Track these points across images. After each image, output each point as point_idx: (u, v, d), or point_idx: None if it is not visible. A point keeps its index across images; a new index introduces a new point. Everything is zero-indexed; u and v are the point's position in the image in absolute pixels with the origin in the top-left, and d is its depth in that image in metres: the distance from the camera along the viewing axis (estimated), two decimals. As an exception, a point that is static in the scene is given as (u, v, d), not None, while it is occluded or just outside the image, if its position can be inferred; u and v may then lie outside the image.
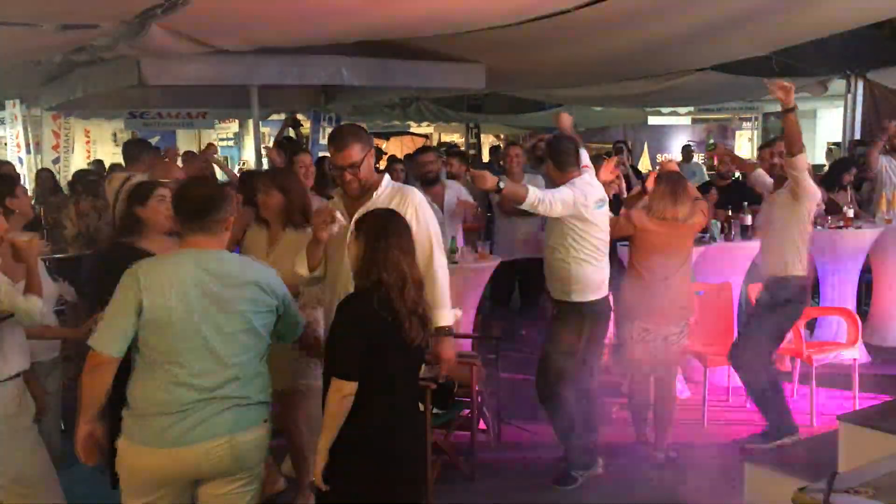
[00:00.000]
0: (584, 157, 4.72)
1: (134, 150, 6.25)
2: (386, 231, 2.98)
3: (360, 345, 2.85)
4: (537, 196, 4.30)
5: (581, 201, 4.37)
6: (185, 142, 16.81)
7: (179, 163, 6.65)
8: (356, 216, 3.28)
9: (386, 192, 3.55)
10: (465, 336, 5.46)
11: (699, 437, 5.22)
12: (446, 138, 20.19)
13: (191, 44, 5.88)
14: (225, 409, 2.77)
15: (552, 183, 4.59)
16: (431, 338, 3.50)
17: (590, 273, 4.47)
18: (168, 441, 2.71)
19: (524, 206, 4.35)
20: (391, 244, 2.94)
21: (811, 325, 6.82)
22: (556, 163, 4.56)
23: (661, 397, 4.84)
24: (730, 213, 6.44)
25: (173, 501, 2.81)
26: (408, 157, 7.91)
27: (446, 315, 3.57)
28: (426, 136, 19.40)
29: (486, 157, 15.88)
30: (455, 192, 6.23)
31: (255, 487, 2.92)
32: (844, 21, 6.86)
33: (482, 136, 18.95)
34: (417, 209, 3.51)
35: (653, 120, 16.20)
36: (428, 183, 6.09)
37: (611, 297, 4.69)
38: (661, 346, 4.69)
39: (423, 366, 3.61)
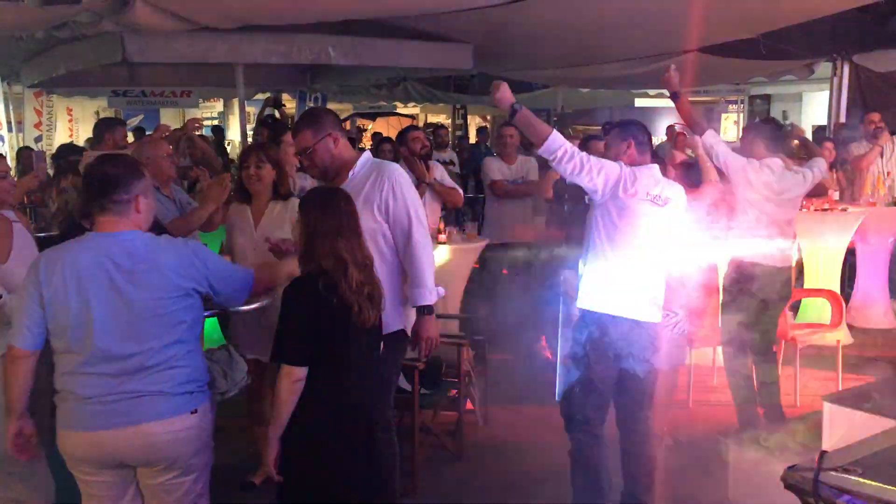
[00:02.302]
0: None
1: (97, 129, 6.17)
2: (322, 215, 2.90)
3: (307, 329, 2.82)
4: (564, 146, 3.53)
5: (628, 181, 3.61)
6: (169, 120, 16.64)
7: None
8: (304, 196, 3.24)
9: (363, 170, 3.51)
10: (453, 317, 5.47)
11: (684, 417, 5.25)
12: (433, 119, 20.12)
13: (176, 21, 5.82)
14: (129, 398, 2.63)
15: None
16: (420, 318, 3.49)
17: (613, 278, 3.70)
18: (81, 425, 2.68)
19: (541, 152, 3.61)
20: (328, 229, 2.87)
21: (795, 307, 6.86)
22: (637, 143, 3.73)
23: (659, 383, 4.77)
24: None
25: (120, 483, 2.77)
26: (398, 135, 7.87)
27: (425, 294, 3.46)
28: (413, 117, 19.31)
29: (472, 138, 15.84)
30: (440, 172, 6.18)
31: (190, 479, 2.78)
32: (831, 4, 6.87)
33: (469, 116, 18.90)
34: (395, 184, 3.44)
35: (639, 102, 16.21)
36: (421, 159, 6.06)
37: None
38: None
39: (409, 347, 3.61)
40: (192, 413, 2.73)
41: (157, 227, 3.65)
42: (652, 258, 3.70)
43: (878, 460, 1.84)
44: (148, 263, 2.66)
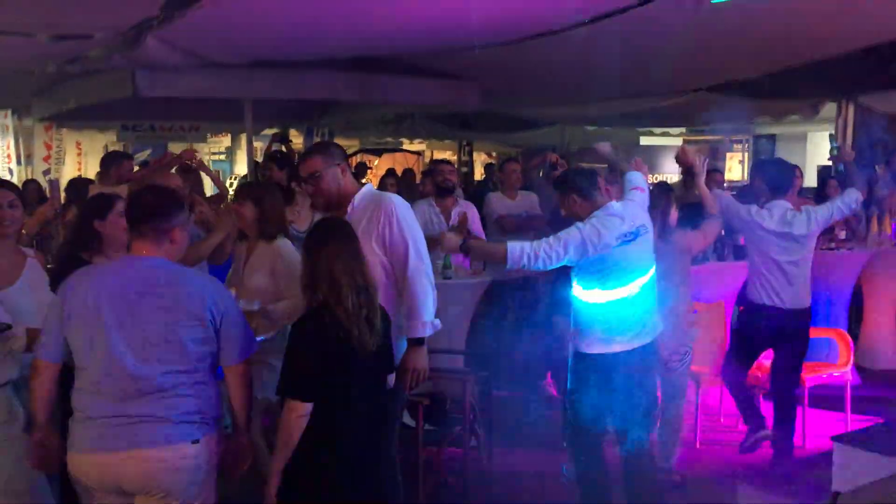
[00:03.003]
0: (636, 179, 4.19)
1: (103, 163, 6.21)
2: (321, 243, 2.94)
3: (313, 365, 2.84)
4: (524, 252, 3.59)
5: (593, 241, 3.66)
6: (177, 155, 16.77)
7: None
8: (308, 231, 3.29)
9: (362, 203, 3.52)
10: (458, 352, 5.44)
11: (692, 457, 5.19)
12: (439, 155, 20.21)
13: (186, 56, 5.88)
14: (131, 423, 2.66)
15: (578, 218, 3.83)
16: (410, 349, 3.46)
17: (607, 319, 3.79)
18: (83, 445, 2.72)
19: (510, 267, 3.68)
20: (326, 255, 2.90)
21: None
22: (580, 194, 3.84)
23: (667, 421, 4.75)
24: (723, 232, 6.45)
25: None
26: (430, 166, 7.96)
27: (419, 326, 3.42)
28: (419, 153, 19.43)
29: (478, 175, 15.90)
30: (465, 209, 6.10)
31: None
32: (836, 45, 6.92)
33: (475, 153, 19.00)
34: (391, 215, 3.43)
35: (644, 140, 16.28)
36: (441, 193, 6.09)
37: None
38: (665, 373, 4.63)
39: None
40: (192, 443, 2.72)
41: None
42: (641, 287, 3.81)
43: (890, 501, 1.82)
44: (167, 289, 2.73)
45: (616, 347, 3.76)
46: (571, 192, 3.88)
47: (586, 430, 3.85)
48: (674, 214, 4.68)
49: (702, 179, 4.70)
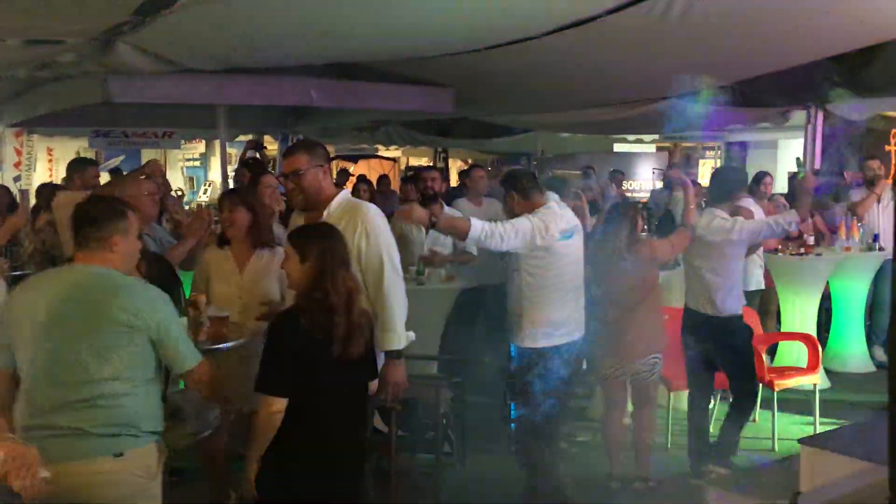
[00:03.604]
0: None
1: (68, 170, 6.19)
2: (332, 248, 2.99)
3: (289, 362, 2.86)
4: (484, 229, 3.97)
5: (540, 231, 4.08)
6: (151, 161, 16.65)
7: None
8: (289, 230, 3.29)
9: (338, 210, 3.51)
10: (431, 357, 5.45)
11: (663, 461, 5.23)
12: (414, 162, 20.25)
13: (158, 62, 5.85)
14: (52, 436, 2.57)
15: (513, 215, 4.25)
16: (388, 362, 3.48)
17: (545, 314, 4.19)
18: None
19: (469, 242, 4.11)
20: (336, 261, 2.95)
21: (772, 351, 6.91)
22: (519, 192, 4.25)
23: (640, 428, 4.79)
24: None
25: None
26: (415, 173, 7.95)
27: (395, 338, 3.45)
28: (394, 160, 19.44)
29: (454, 181, 15.93)
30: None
31: None
32: (805, 53, 7.03)
33: (450, 160, 19.04)
34: (368, 226, 3.44)
35: (618, 147, 16.41)
36: (425, 201, 6.09)
37: None
38: (634, 381, 4.67)
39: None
40: (115, 457, 2.61)
41: (157, 262, 3.67)
42: (575, 284, 4.25)
43: (850, 501, 1.85)
44: (97, 295, 2.68)
45: (550, 342, 4.17)
46: (512, 190, 4.27)
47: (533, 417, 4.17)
48: (640, 225, 4.71)
49: (691, 193, 4.74)
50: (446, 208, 4.07)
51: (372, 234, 3.44)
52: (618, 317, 4.61)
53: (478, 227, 3.97)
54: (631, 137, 15.18)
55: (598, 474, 4.91)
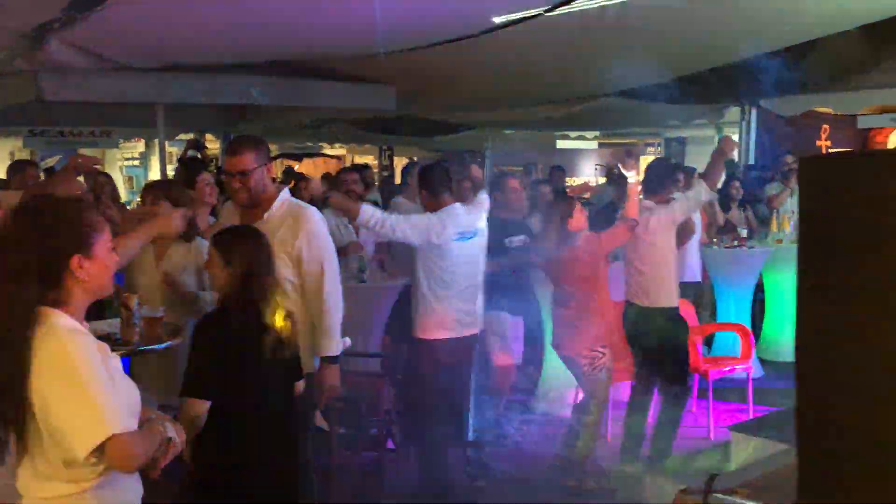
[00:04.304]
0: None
1: (8, 172, 6.05)
2: (256, 253, 2.94)
3: (213, 365, 2.84)
4: (374, 215, 4.07)
5: (437, 230, 4.19)
6: (89, 161, 16.28)
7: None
8: (212, 232, 3.24)
9: (280, 211, 3.49)
10: (373, 355, 5.45)
11: (602, 450, 5.32)
12: (360, 160, 20.16)
13: (93, 59, 5.76)
14: None
15: (426, 211, 4.40)
16: (324, 366, 3.49)
17: (437, 308, 4.31)
18: None
19: (358, 223, 4.23)
20: (261, 267, 2.92)
21: (708, 341, 7.07)
22: (429, 191, 4.38)
23: (586, 421, 4.79)
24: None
25: None
26: (329, 176, 7.90)
27: (332, 345, 3.48)
28: (339, 158, 19.33)
29: (398, 179, 15.92)
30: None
31: None
32: (740, 50, 7.21)
33: (396, 158, 19.01)
34: (309, 233, 3.43)
35: (561, 144, 16.59)
36: None
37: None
38: (586, 373, 4.74)
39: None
40: None
41: None
42: (471, 282, 4.37)
43: (766, 482, 1.92)
44: None
45: (441, 335, 4.32)
46: (422, 187, 4.43)
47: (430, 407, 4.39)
48: (579, 220, 4.71)
49: (634, 188, 4.72)
50: (365, 205, 4.14)
51: (314, 240, 3.43)
52: (560, 312, 4.73)
53: (368, 211, 4.06)
54: (573, 134, 15.37)
55: (539, 468, 4.98)
